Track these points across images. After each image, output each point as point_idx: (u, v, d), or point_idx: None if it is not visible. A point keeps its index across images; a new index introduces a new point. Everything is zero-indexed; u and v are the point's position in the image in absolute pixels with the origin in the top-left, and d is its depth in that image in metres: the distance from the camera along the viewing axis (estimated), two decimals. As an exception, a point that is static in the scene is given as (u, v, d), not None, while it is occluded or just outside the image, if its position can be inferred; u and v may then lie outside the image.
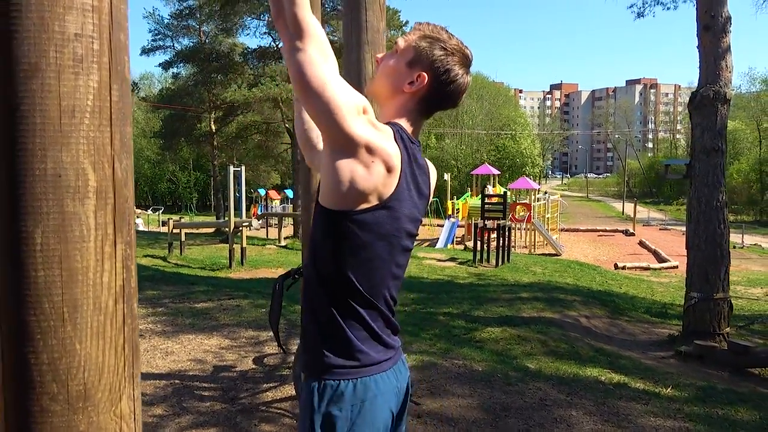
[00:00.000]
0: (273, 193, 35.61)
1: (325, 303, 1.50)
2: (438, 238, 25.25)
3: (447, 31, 1.67)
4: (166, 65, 29.60)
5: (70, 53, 0.82)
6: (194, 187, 58.72)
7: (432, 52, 1.58)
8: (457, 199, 29.48)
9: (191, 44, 30.79)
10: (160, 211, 40.91)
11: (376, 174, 1.41)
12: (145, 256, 17.83)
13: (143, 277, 10.35)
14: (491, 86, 62.05)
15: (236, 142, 32.57)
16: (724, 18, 7.56)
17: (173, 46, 31.27)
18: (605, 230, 34.58)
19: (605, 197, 70.64)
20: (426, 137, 50.52)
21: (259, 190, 39.94)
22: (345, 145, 1.39)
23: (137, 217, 33.14)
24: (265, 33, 24.91)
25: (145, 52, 30.47)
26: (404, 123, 1.58)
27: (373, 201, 1.44)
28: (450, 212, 27.71)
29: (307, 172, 3.01)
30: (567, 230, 32.73)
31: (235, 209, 17.49)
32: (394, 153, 1.44)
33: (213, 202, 40.87)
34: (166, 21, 30.84)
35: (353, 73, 2.74)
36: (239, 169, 19.08)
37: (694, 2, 7.72)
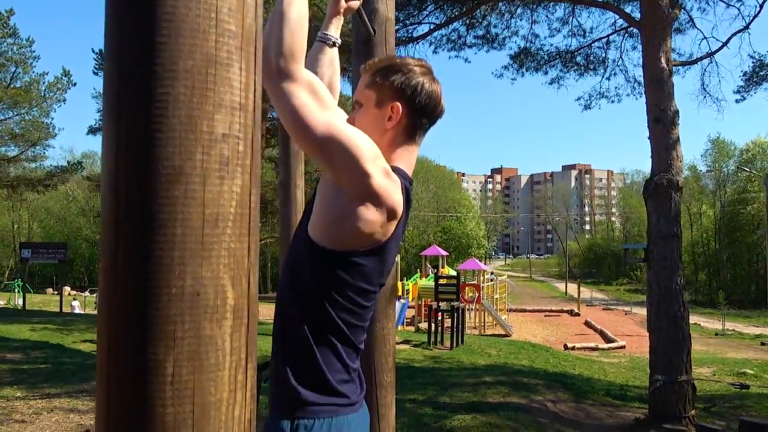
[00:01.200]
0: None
1: (303, 336, 1.42)
2: (389, 320, 24.92)
3: (392, 56, 1.70)
4: (112, 144, 29.08)
5: (217, 155, 0.73)
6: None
7: (391, 80, 1.56)
8: (407, 280, 29.47)
9: (140, 124, 30.49)
10: (88, 291, 39.25)
11: (379, 221, 1.40)
12: (84, 341, 16.84)
13: (90, 366, 9.71)
14: (436, 169, 63.70)
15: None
16: (673, 111, 8.03)
17: (121, 125, 30.88)
18: (551, 310, 35.05)
19: (548, 278, 72.05)
20: (374, 218, 50.88)
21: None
22: (360, 193, 1.36)
23: (73, 299, 31.57)
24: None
25: (92, 131, 29.99)
26: (403, 159, 1.57)
27: (369, 246, 1.42)
28: (400, 293, 27.58)
29: (286, 203, 2.86)
30: (515, 310, 33.02)
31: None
32: (399, 203, 1.44)
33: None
34: (114, 100, 30.56)
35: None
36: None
37: (645, 96, 8.18)
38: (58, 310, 25.18)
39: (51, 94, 25.45)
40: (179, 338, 0.71)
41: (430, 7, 10.50)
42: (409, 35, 10.87)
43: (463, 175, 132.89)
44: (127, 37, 0.69)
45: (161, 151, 0.70)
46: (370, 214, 1.38)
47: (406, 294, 27.20)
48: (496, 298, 27.10)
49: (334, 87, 1.89)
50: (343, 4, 1.96)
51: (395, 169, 1.50)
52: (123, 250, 0.69)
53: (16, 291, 33.38)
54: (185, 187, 0.71)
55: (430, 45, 11.46)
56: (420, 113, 1.57)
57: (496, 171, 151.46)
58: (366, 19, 2.51)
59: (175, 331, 0.70)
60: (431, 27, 10.67)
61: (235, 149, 0.75)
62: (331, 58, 1.90)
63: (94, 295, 38.24)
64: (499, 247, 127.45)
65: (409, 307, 26.33)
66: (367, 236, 1.40)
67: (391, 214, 1.42)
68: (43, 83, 25.05)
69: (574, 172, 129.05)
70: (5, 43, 24.75)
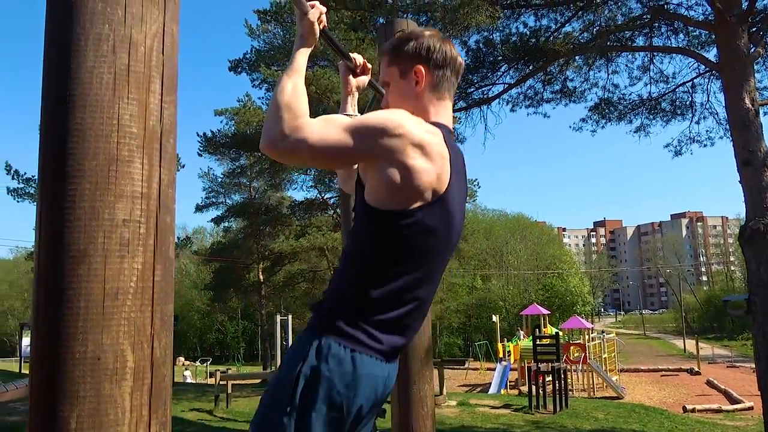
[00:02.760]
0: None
1: (355, 286, 1.49)
2: (490, 383, 24.20)
3: (399, 34, 1.80)
4: (217, 220, 31.01)
5: (118, 238, 0.86)
6: (242, 337, 58.74)
7: (406, 50, 1.67)
8: (507, 341, 28.63)
9: (241, 199, 32.39)
10: (208, 363, 40.74)
11: (431, 168, 1.46)
12: (192, 409, 17.48)
13: (188, 434, 10.06)
14: (534, 226, 62.41)
15: (284, 290, 32.97)
16: (764, 153, 7.59)
17: (225, 201, 32.94)
18: (668, 369, 32.62)
19: (663, 334, 67.45)
20: (471, 278, 50.28)
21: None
22: (403, 153, 1.45)
23: (185, 369, 32.97)
24: (311, 186, 26.09)
25: (199, 209, 32.07)
26: (440, 114, 1.66)
27: (426, 198, 1.47)
28: (501, 355, 26.79)
29: (347, 217, 2.89)
30: (627, 371, 31.01)
31: (281, 359, 17.26)
32: (443, 149, 1.50)
33: (260, 352, 40.60)
34: (219, 179, 32.76)
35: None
36: (286, 318, 19.11)
37: (731, 140, 7.80)
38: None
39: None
40: (82, 397, 0.82)
41: (503, 67, 10.65)
42: (484, 96, 11.03)
43: (564, 230, 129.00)
44: (48, 142, 0.85)
45: (69, 236, 0.84)
46: (420, 163, 1.45)
47: (508, 356, 26.39)
48: (605, 358, 25.67)
49: None
50: (352, 83, 2.13)
51: (435, 124, 1.59)
52: (40, 318, 0.83)
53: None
54: (88, 267, 0.84)
55: (507, 104, 11.54)
56: (441, 67, 1.67)
57: (599, 224, 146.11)
58: (381, 89, 2.65)
59: (78, 391, 0.82)
60: (505, 86, 10.78)
61: (135, 232, 0.88)
62: None
63: (205, 364, 39.87)
64: (608, 304, 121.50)
65: (511, 370, 25.48)
66: (426, 184, 1.46)
67: (438, 158, 1.49)
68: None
69: (684, 221, 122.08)
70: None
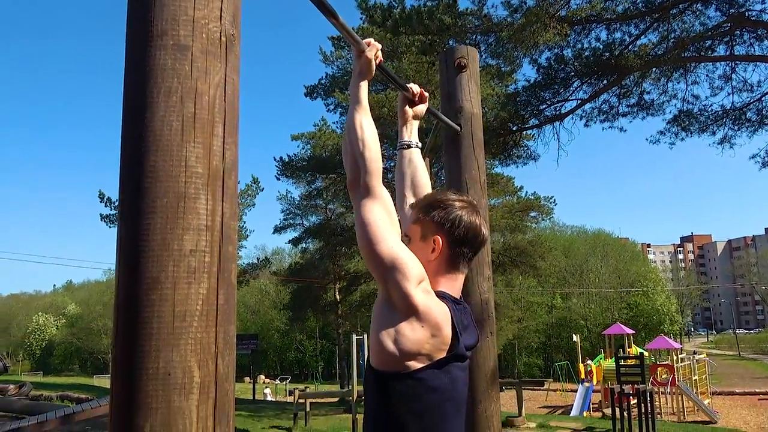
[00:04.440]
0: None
1: None
2: (572, 405, 23.43)
3: (435, 193, 1.82)
4: (295, 241, 31.81)
5: (185, 266, 0.97)
6: (320, 356, 59.59)
7: (432, 215, 1.70)
8: (589, 362, 27.68)
9: (318, 221, 33.09)
10: (287, 381, 41.52)
11: (425, 338, 1.50)
12: (272, 427, 17.88)
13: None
14: (616, 242, 60.28)
15: (360, 310, 33.30)
16: None
17: (302, 223, 33.76)
18: (766, 393, 30.56)
19: (761, 355, 63.22)
20: (551, 297, 49.04)
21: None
22: (404, 310, 1.49)
23: (266, 387, 33.72)
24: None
25: (277, 230, 32.99)
26: (447, 286, 1.67)
27: (423, 363, 1.50)
28: (583, 376, 25.91)
29: None
30: (720, 394, 29.27)
31: (357, 378, 17.42)
32: (443, 321, 1.53)
33: (338, 370, 41.03)
34: (296, 201, 33.64)
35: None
36: (361, 337, 19.27)
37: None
38: (251, 397, 27.00)
39: (243, 200, 28.60)
40: (154, 408, 0.93)
41: (576, 83, 10.50)
42: (557, 112, 10.89)
43: (649, 246, 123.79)
44: (127, 182, 0.98)
45: (144, 265, 0.96)
46: (415, 332, 1.50)
47: (589, 376, 25.49)
48: (695, 380, 24.35)
49: (417, 182, 2.12)
50: (409, 112, 2.22)
51: (440, 293, 1.61)
52: (119, 337, 0.95)
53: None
54: (160, 292, 0.95)
55: (581, 119, 11.33)
56: (460, 244, 1.68)
57: (686, 239, 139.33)
58: (444, 118, 2.71)
59: (151, 403, 0.93)
60: (578, 102, 10.61)
61: (201, 260, 0.99)
62: (410, 158, 2.15)
63: (284, 383, 40.70)
64: (698, 323, 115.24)
65: (594, 391, 24.58)
66: (415, 353, 1.50)
67: (435, 329, 1.52)
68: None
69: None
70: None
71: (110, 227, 28.82)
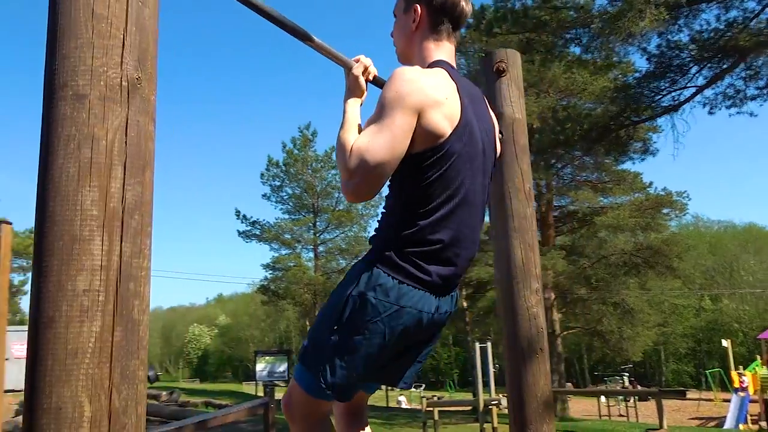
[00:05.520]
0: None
1: (401, 208, 1.62)
2: (725, 417, 21.52)
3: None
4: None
5: (78, 306, 1.03)
6: (455, 363, 59.42)
7: None
8: (744, 369, 25.30)
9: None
10: (422, 388, 41.78)
11: (437, 117, 1.57)
12: (401, 436, 18.07)
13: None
14: (768, 236, 54.61)
15: (489, 316, 32.83)
16: None
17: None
18: None
19: None
20: (698, 300, 45.35)
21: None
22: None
23: (400, 394, 34.16)
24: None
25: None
26: (438, 52, 1.76)
27: (447, 132, 1.58)
28: (736, 385, 23.72)
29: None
30: None
31: (483, 387, 17.17)
32: (440, 87, 1.59)
33: (472, 378, 40.64)
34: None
35: (503, 260, 2.73)
36: (486, 345, 18.98)
37: None
38: (385, 404, 27.48)
39: (366, 211, 29.35)
40: (48, 441, 0.99)
41: (693, 68, 9.70)
42: (676, 102, 10.12)
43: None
44: (36, 229, 1.05)
45: (42, 305, 1.03)
46: (435, 113, 1.55)
47: (745, 385, 23.27)
48: None
49: None
50: None
51: (436, 62, 1.72)
52: (27, 374, 1.02)
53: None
54: (55, 331, 1.02)
55: (704, 106, 10.43)
56: (438, 12, 1.76)
57: None
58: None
59: (45, 436, 0.99)
60: (696, 89, 9.79)
61: (95, 299, 1.04)
62: None
63: (419, 390, 40.98)
64: None
65: (751, 401, 22.40)
66: (442, 126, 1.56)
67: (447, 97, 1.58)
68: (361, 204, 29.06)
69: None
70: (330, 174, 29.69)
71: (247, 242, 30.70)
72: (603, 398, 27.03)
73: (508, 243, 2.66)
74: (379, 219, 1.72)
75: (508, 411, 2.70)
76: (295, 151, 31.12)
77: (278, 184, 31.48)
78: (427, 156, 1.56)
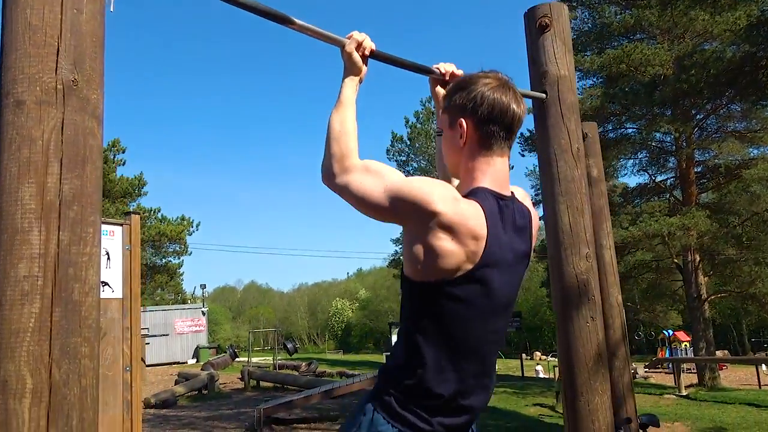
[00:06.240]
0: (681, 335, 32.50)
1: (404, 353, 1.55)
2: None
3: (464, 75, 1.75)
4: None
5: (20, 290, 1.15)
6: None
7: (455, 99, 1.63)
8: None
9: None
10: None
11: (458, 249, 1.44)
12: (535, 404, 17.82)
13: (519, 428, 10.35)
14: None
15: (626, 282, 31.20)
16: None
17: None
18: None
19: None
20: None
21: (664, 331, 36.79)
22: (431, 229, 1.45)
23: (537, 364, 33.72)
24: (638, 171, 24.22)
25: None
26: (486, 172, 1.59)
27: (458, 273, 1.46)
28: None
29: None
30: None
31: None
32: (476, 227, 1.45)
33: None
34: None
35: (550, 225, 2.60)
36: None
37: None
38: (520, 374, 27.23)
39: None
40: (-5, 410, 1.12)
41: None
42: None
43: None
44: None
45: (-11, 291, 1.16)
46: (446, 245, 1.43)
47: None
48: None
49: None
50: (441, 93, 2.12)
51: (474, 192, 1.56)
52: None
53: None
54: (1, 315, 1.14)
55: None
56: (486, 122, 1.59)
57: None
58: (522, 90, 2.50)
59: (-6, 406, 1.13)
60: None
61: (34, 284, 1.16)
62: None
63: (555, 358, 40.08)
64: None
65: None
66: (452, 266, 1.45)
67: (469, 237, 1.44)
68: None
69: None
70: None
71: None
72: (764, 366, 24.84)
73: (556, 207, 2.53)
74: (391, 353, 1.65)
75: (561, 382, 2.60)
76: (418, 125, 31.23)
77: (404, 159, 31.84)
78: (429, 291, 1.49)
